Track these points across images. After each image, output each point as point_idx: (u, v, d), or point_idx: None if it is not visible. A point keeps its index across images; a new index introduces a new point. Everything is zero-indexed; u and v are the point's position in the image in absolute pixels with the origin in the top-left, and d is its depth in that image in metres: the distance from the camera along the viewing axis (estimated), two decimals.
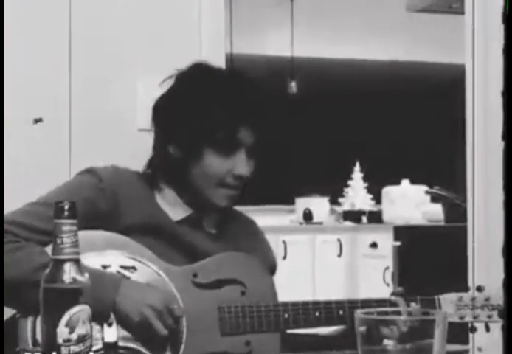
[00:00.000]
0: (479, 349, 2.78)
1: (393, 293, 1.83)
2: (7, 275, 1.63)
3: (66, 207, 1.19)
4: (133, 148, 2.48)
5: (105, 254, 1.73)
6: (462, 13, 2.92)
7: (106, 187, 1.80)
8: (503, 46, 1.26)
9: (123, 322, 1.65)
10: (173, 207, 1.86)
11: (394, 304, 1.79)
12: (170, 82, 1.89)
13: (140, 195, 1.84)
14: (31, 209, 1.78)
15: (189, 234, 1.85)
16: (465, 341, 2.83)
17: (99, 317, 1.61)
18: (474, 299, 1.84)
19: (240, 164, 1.80)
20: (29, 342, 1.55)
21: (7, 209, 1.79)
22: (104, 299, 1.63)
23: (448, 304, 1.83)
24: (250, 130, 1.80)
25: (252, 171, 1.83)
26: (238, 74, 1.94)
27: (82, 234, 1.22)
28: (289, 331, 1.84)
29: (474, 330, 1.85)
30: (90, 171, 1.84)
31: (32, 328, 1.58)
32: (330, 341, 1.88)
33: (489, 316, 1.83)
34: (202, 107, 1.81)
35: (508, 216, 1.21)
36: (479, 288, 1.84)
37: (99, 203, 1.78)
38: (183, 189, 1.86)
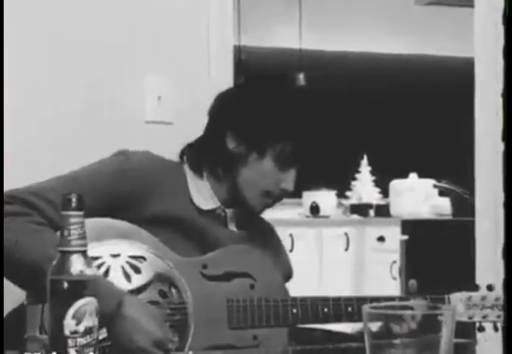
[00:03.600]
0: (486, 340, 2.77)
1: (408, 292, 1.83)
2: (28, 256, 1.60)
3: (74, 199, 1.18)
4: (141, 140, 2.49)
5: (114, 243, 1.71)
6: (472, 6, 2.90)
7: (133, 169, 1.80)
8: (503, 46, 1.25)
9: (113, 340, 1.56)
10: (204, 197, 1.86)
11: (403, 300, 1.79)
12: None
13: (169, 183, 1.83)
14: (58, 183, 1.76)
15: (211, 228, 1.85)
16: (470, 336, 2.82)
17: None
18: (483, 298, 1.81)
19: (289, 180, 1.86)
20: (37, 330, 1.54)
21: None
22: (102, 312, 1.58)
23: (458, 303, 1.79)
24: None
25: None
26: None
27: (91, 223, 1.21)
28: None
29: (482, 329, 1.83)
30: (122, 152, 1.84)
31: (40, 315, 1.56)
32: (347, 337, 1.87)
33: (498, 316, 1.79)
34: (282, 116, 1.87)
35: (508, 217, 1.20)
36: (490, 287, 1.81)
37: (122, 183, 1.78)
38: (224, 184, 1.87)
